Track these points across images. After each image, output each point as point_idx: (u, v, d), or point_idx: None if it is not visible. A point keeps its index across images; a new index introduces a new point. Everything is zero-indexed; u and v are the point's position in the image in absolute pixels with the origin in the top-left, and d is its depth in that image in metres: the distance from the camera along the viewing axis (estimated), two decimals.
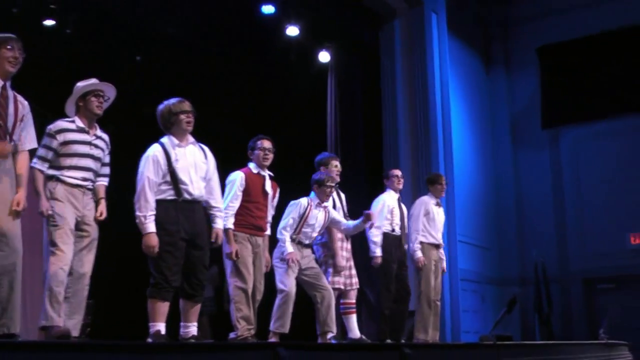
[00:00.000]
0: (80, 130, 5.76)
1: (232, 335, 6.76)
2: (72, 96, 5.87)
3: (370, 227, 7.84)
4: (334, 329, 7.53)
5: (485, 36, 16.55)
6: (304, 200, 7.54)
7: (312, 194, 7.62)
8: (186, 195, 5.97)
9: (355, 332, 7.80)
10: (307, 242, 7.55)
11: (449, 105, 13.21)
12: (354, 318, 7.87)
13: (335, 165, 8.19)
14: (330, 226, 7.72)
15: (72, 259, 5.52)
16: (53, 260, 5.41)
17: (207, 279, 6.38)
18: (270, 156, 7.18)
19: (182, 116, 6.06)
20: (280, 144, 7.62)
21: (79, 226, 5.65)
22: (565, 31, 15.53)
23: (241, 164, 7.21)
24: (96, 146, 5.83)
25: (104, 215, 5.83)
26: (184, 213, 5.95)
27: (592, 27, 15.21)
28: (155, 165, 5.93)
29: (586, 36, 15.33)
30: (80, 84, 5.87)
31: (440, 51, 13.36)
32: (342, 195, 8.35)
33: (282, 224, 7.46)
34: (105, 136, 5.99)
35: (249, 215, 6.91)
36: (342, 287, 7.85)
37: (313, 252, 7.74)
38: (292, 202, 7.54)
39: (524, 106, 16.07)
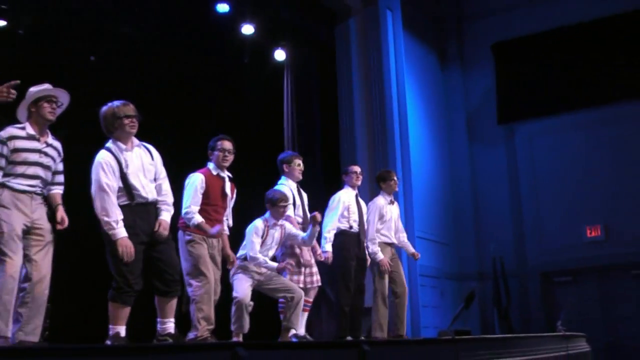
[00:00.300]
0: (30, 137, 5.63)
1: (191, 335, 6.72)
2: (24, 101, 5.72)
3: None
4: (298, 328, 7.54)
5: (440, 33, 16.67)
6: (259, 223, 7.50)
7: (267, 213, 7.58)
8: (139, 199, 5.93)
9: (302, 330, 7.82)
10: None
11: (405, 102, 13.27)
12: (305, 316, 7.90)
13: (299, 164, 8.24)
14: (290, 241, 7.71)
15: (21, 265, 5.42)
16: (1, 269, 5.31)
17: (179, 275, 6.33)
18: (230, 157, 7.15)
19: (126, 120, 5.98)
20: (237, 142, 7.58)
21: (30, 231, 5.53)
22: (519, 27, 15.71)
23: (196, 164, 7.19)
24: (46, 154, 5.71)
25: (66, 222, 5.73)
26: (140, 215, 5.91)
27: (546, 23, 15.41)
28: (109, 169, 5.87)
29: (540, 32, 15.53)
30: (32, 89, 5.74)
31: (396, 48, 13.42)
32: (304, 195, 8.35)
33: (249, 252, 7.42)
34: (57, 144, 5.87)
35: (206, 218, 6.88)
36: (302, 285, 7.84)
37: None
38: (249, 227, 7.46)
39: (480, 102, 16.21)
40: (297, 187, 8.21)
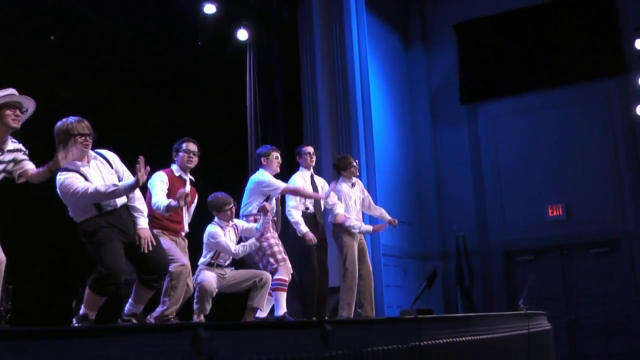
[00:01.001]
0: None
1: (158, 309, 6.72)
2: None
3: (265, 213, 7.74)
4: (264, 309, 7.56)
5: (403, 13, 16.67)
6: (216, 227, 7.50)
7: (215, 218, 7.60)
8: (107, 208, 5.85)
9: (283, 309, 7.84)
10: (226, 263, 7.57)
11: (368, 82, 13.28)
12: (284, 296, 7.93)
13: (276, 157, 8.29)
14: (246, 235, 7.72)
15: None
16: None
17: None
18: (195, 159, 7.15)
19: (80, 139, 5.85)
20: (199, 125, 7.57)
21: None
22: (482, 7, 15.77)
23: (158, 153, 7.13)
24: (7, 162, 5.54)
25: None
26: (111, 220, 5.83)
27: (508, 3, 15.51)
28: (76, 179, 5.77)
29: (502, 12, 15.61)
30: None
31: (359, 28, 13.40)
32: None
33: (230, 253, 7.44)
34: (19, 145, 5.66)
35: (166, 219, 6.86)
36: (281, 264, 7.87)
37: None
38: (209, 234, 7.47)
39: (442, 82, 16.27)
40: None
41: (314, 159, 8.96)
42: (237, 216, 7.92)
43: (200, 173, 7.39)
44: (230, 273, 7.56)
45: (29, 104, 5.65)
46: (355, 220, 9.01)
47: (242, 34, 12.34)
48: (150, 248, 5.96)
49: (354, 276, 8.92)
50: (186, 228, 7.21)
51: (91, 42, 11.72)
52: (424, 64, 16.50)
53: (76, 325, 5.66)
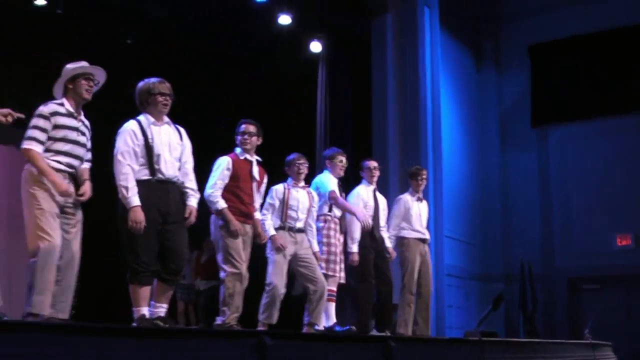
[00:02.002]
0: (69, 114, 5.57)
1: (218, 320, 6.71)
2: (61, 78, 5.65)
3: None
4: (320, 323, 7.52)
5: (476, 32, 16.52)
6: (279, 186, 7.58)
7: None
8: (160, 175, 5.87)
9: (332, 319, 7.81)
10: (297, 225, 7.52)
11: (439, 101, 13.17)
12: (332, 306, 7.89)
13: (341, 161, 8.32)
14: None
15: (60, 240, 5.34)
16: (42, 247, 5.22)
17: (184, 264, 6.30)
18: (250, 140, 7.09)
19: (160, 97, 5.97)
20: (270, 133, 7.56)
21: (62, 210, 5.46)
22: (556, 30, 15.52)
23: (228, 152, 7.17)
24: (82, 133, 5.67)
25: (87, 194, 5.62)
26: (158, 193, 5.84)
27: (584, 27, 15.21)
28: (131, 137, 5.83)
29: (577, 36, 15.34)
30: (69, 65, 5.67)
31: (432, 46, 13.31)
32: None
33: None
34: (87, 122, 5.81)
35: (237, 202, 6.86)
36: (337, 274, 7.84)
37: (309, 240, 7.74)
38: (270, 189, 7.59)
39: (514, 104, 16.06)
40: (338, 182, 8.29)
41: (377, 173, 8.93)
42: None
43: (268, 181, 7.39)
44: (300, 249, 7.53)
45: (101, 76, 5.80)
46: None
47: (316, 46, 12.37)
48: (193, 221, 6.03)
49: (411, 292, 8.84)
50: (257, 213, 7.20)
51: (166, 47, 11.88)
52: (495, 85, 16.30)
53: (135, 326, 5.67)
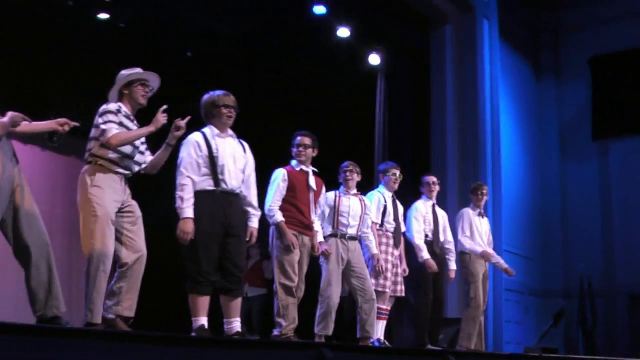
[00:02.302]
0: (127, 116, 5.62)
1: (275, 332, 6.73)
2: (116, 84, 5.71)
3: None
4: (374, 335, 7.51)
5: (536, 44, 16.35)
6: (330, 193, 7.61)
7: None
8: (224, 186, 5.94)
9: (377, 335, 7.80)
10: (349, 232, 7.51)
11: (498, 113, 13.05)
12: (383, 324, 7.90)
13: (394, 174, 8.42)
14: None
15: (113, 247, 5.35)
16: (94, 253, 5.26)
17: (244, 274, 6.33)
18: (305, 152, 7.16)
19: (224, 110, 6.10)
20: (329, 146, 7.61)
21: (121, 210, 5.48)
22: (618, 42, 15.26)
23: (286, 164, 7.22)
24: (142, 143, 5.72)
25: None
26: (222, 205, 5.92)
27: None
28: (195, 149, 5.93)
29: (639, 48, 15.09)
30: (124, 72, 5.74)
31: (492, 58, 13.20)
32: (399, 206, 8.53)
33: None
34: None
35: (296, 212, 6.89)
36: (388, 290, 7.83)
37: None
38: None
39: (574, 116, 15.83)
40: (393, 197, 8.35)
41: (437, 189, 9.02)
42: None
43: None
44: (353, 258, 7.52)
45: (155, 82, 5.87)
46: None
47: (374, 59, 12.35)
48: (253, 242, 6.17)
49: (480, 306, 8.83)
50: (317, 223, 7.25)
51: (226, 60, 11.99)
52: (555, 97, 16.09)
53: (194, 335, 5.71)
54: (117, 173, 5.48)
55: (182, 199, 5.79)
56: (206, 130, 6.09)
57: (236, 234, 6.00)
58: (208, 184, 5.92)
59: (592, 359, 9.57)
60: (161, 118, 5.56)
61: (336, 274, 7.35)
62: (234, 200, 6.05)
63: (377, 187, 8.54)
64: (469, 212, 9.23)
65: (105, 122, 5.41)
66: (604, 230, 15.02)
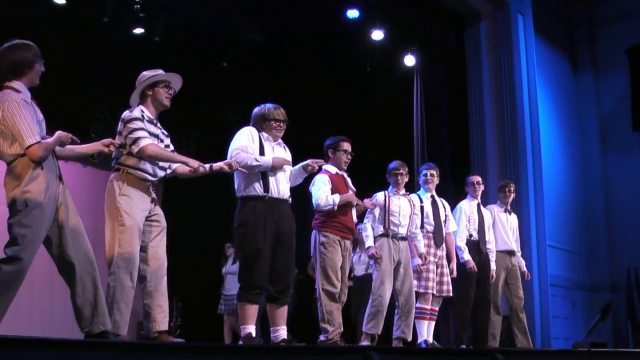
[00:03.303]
0: (150, 120, 5.51)
1: (322, 337, 6.75)
2: (138, 85, 5.61)
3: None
4: (409, 336, 7.50)
5: (571, 37, 16.21)
6: (380, 193, 7.64)
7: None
8: (274, 192, 5.98)
9: (423, 337, 7.78)
10: (399, 232, 7.52)
11: (537, 108, 12.95)
12: (425, 324, 7.86)
13: (425, 174, 8.42)
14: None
15: (139, 253, 5.32)
16: (118, 258, 5.24)
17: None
18: (350, 157, 7.19)
19: (274, 124, 6.19)
20: (366, 149, 7.63)
21: (148, 218, 5.43)
22: None
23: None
24: (161, 140, 5.61)
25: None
26: (271, 211, 5.96)
27: None
28: (250, 137, 6.03)
29: None
30: (147, 72, 5.64)
31: (527, 53, 13.11)
32: (441, 204, 8.49)
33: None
34: (165, 130, 5.75)
35: (339, 215, 6.89)
36: (431, 290, 7.81)
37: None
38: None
39: (614, 108, 15.66)
40: (432, 197, 8.36)
41: (481, 188, 9.05)
42: None
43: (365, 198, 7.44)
44: (403, 257, 7.59)
45: (178, 83, 5.77)
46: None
47: (409, 60, 12.34)
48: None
49: (497, 305, 8.84)
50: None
51: (261, 68, 12.06)
52: (593, 89, 15.93)
53: (241, 344, 5.75)
54: (145, 180, 5.43)
55: (255, 159, 5.94)
56: (259, 132, 6.19)
57: (286, 240, 6.06)
58: (258, 189, 5.99)
59: None
60: (201, 169, 5.55)
61: (388, 273, 7.38)
62: (283, 206, 6.11)
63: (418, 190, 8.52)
64: (494, 209, 9.27)
65: (134, 130, 5.33)
66: None
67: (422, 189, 8.38)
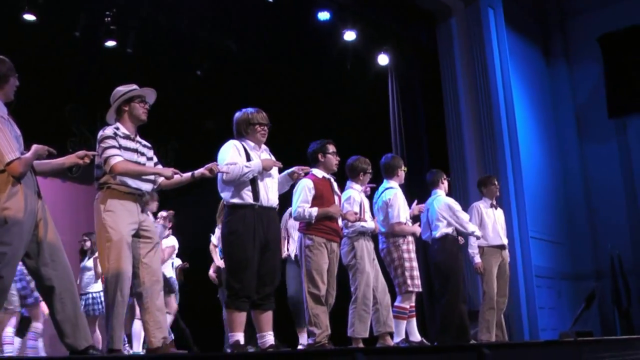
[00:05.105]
0: (126, 137, 5.51)
1: (309, 341, 6.75)
2: (114, 101, 5.60)
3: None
4: (394, 330, 7.49)
5: (543, 28, 16.29)
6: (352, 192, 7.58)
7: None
8: (262, 201, 5.98)
9: (416, 335, 7.76)
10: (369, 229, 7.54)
11: (512, 102, 13.01)
12: (414, 322, 7.84)
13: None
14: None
15: (130, 269, 5.32)
16: (109, 275, 5.25)
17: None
18: (337, 159, 7.20)
19: (259, 128, 6.16)
20: (344, 149, 7.61)
21: (138, 233, 5.44)
22: (624, 19, 15.15)
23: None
24: (141, 153, 5.61)
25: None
26: (261, 219, 5.96)
27: None
28: (237, 150, 6.00)
29: None
30: (121, 88, 5.64)
31: (500, 47, 13.17)
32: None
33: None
34: (145, 142, 5.77)
35: (325, 219, 6.88)
36: (417, 289, 7.79)
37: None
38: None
39: (588, 96, 15.74)
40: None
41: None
42: None
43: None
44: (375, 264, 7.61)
45: (152, 97, 5.78)
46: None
47: (383, 59, 12.37)
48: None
49: (493, 298, 8.88)
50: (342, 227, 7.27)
51: (236, 74, 12.07)
52: (567, 79, 16.01)
53: (229, 352, 5.74)
54: (129, 194, 5.43)
55: (246, 167, 5.91)
56: (243, 142, 6.15)
57: (273, 248, 6.06)
58: (247, 197, 5.97)
59: (628, 338, 9.51)
60: (176, 176, 5.57)
61: (370, 274, 7.41)
62: (271, 214, 6.12)
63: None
64: (480, 205, 9.32)
65: (104, 149, 5.36)
66: (628, 207, 14.92)
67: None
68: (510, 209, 11.88)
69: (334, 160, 7.12)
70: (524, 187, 12.55)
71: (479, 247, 9.03)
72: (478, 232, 8.62)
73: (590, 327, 11.52)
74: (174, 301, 9.45)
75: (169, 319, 8.78)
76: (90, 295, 9.44)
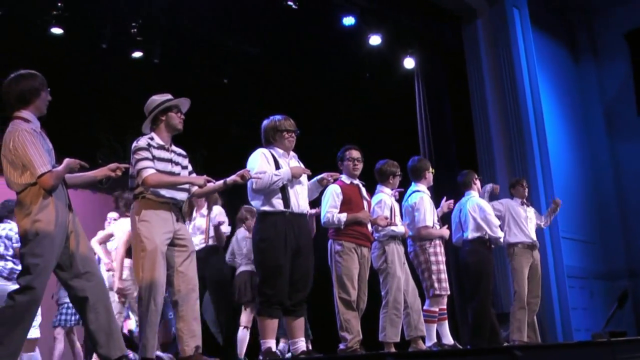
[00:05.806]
0: (160, 147, 5.54)
1: (341, 346, 6.75)
2: (149, 111, 5.65)
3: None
4: (425, 333, 7.47)
5: (569, 26, 16.18)
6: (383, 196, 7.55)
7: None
8: (293, 207, 6.00)
9: (448, 338, 7.72)
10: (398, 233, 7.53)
11: (540, 101, 12.93)
12: (445, 325, 7.80)
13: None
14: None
15: (165, 279, 5.36)
16: (142, 284, 5.29)
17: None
18: (360, 165, 7.18)
19: (286, 134, 6.18)
20: (373, 154, 7.61)
21: (173, 242, 5.46)
22: None
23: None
24: (176, 163, 5.63)
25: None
26: (292, 226, 5.98)
27: None
28: (266, 159, 6.02)
29: None
30: (156, 97, 5.70)
31: (526, 46, 13.10)
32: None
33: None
34: (180, 150, 5.79)
35: (356, 225, 6.89)
36: (445, 292, 7.76)
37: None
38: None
39: (617, 93, 15.61)
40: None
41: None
42: None
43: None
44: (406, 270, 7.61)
45: (186, 107, 5.81)
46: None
47: (409, 62, 12.37)
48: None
49: (523, 299, 8.81)
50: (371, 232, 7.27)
51: (260, 81, 12.10)
52: (595, 76, 15.88)
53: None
54: (164, 204, 5.46)
55: (275, 176, 5.94)
56: (271, 150, 6.17)
57: (305, 254, 6.07)
58: (278, 205, 5.99)
59: None
60: (209, 184, 5.59)
61: (401, 278, 7.39)
62: (302, 221, 6.14)
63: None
64: (511, 203, 9.33)
65: (138, 161, 5.39)
66: None
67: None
68: (541, 209, 11.79)
69: (350, 165, 7.11)
70: (554, 187, 12.46)
71: (510, 245, 9.00)
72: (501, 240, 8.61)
73: (623, 327, 11.39)
74: None
75: None
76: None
